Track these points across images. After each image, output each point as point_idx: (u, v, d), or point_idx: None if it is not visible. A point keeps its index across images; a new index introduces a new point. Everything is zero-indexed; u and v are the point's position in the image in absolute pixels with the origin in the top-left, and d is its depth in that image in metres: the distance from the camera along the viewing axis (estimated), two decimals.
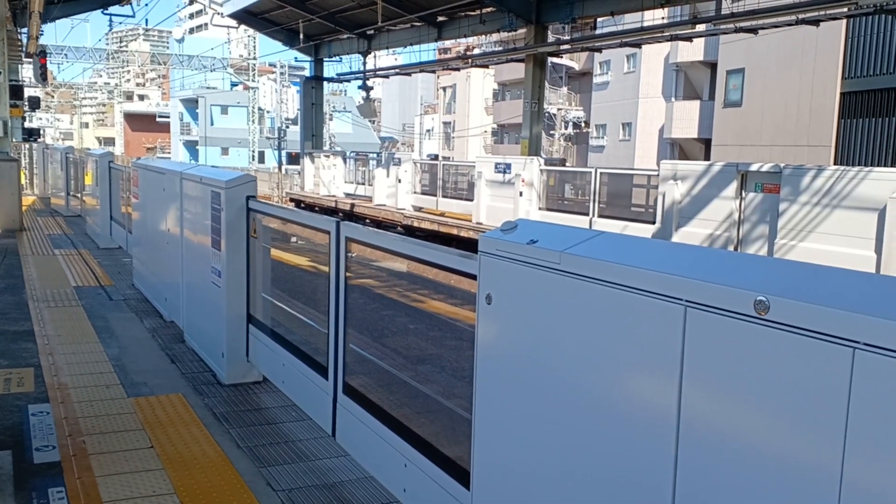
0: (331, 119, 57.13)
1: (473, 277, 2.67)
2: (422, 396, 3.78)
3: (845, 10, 14.64)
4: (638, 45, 16.98)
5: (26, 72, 31.60)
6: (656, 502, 1.94)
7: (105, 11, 24.81)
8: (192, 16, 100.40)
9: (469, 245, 15.06)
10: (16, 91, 20.21)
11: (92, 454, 4.21)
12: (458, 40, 37.26)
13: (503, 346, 2.49)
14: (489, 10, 19.23)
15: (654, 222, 13.12)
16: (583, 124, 46.46)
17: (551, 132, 45.30)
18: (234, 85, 69.94)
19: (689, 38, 16.75)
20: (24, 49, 23.10)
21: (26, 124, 26.44)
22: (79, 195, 16.21)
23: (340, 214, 23.62)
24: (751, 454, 1.69)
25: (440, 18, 22.06)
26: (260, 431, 4.71)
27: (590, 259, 2.08)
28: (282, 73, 50.98)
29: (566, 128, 46.93)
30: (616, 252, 2.09)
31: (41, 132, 37.38)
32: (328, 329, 4.13)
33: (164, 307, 7.48)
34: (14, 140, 19.57)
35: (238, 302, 5.54)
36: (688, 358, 1.80)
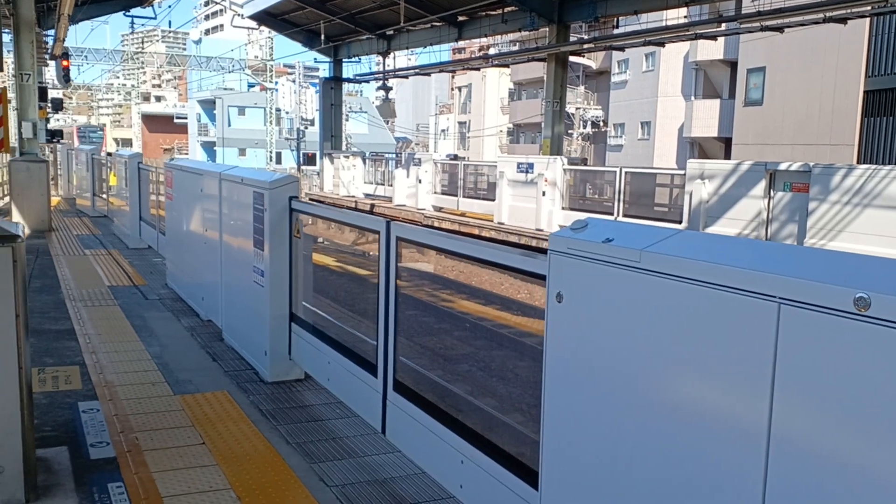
0: (347, 120, 57.35)
1: (540, 277, 2.70)
2: (476, 393, 3.83)
3: (868, 8, 14.56)
4: (661, 44, 16.94)
5: (48, 73, 31.94)
6: None
7: (127, 13, 25.03)
8: (207, 17, 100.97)
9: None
10: (41, 93, 20.46)
11: (146, 450, 4.29)
12: (471, 40, 37.25)
13: (575, 346, 2.51)
14: (511, 9, 19.24)
15: (679, 221, 13.10)
16: (601, 123, 46.36)
17: (569, 131, 45.21)
18: (250, 86, 70.31)
19: (713, 37, 16.71)
20: (49, 51, 23.36)
21: (48, 125, 26.73)
22: (105, 196, 16.38)
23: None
24: (849, 461, 1.69)
25: (461, 18, 22.09)
26: (307, 428, 4.77)
27: (674, 257, 2.10)
28: (300, 75, 51.17)
29: (584, 127, 46.84)
30: (699, 250, 2.11)
31: (62, 133, 37.77)
32: (377, 327, 4.18)
33: (201, 306, 7.57)
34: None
35: (281, 301, 5.60)
36: (780, 356, 1.82)
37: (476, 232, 19.25)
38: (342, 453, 4.39)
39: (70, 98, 79.46)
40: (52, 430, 4.52)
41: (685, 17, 20.77)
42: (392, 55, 27.60)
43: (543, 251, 2.73)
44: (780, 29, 14.27)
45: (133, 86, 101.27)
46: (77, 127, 59.22)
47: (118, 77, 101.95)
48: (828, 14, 13.08)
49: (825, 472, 1.75)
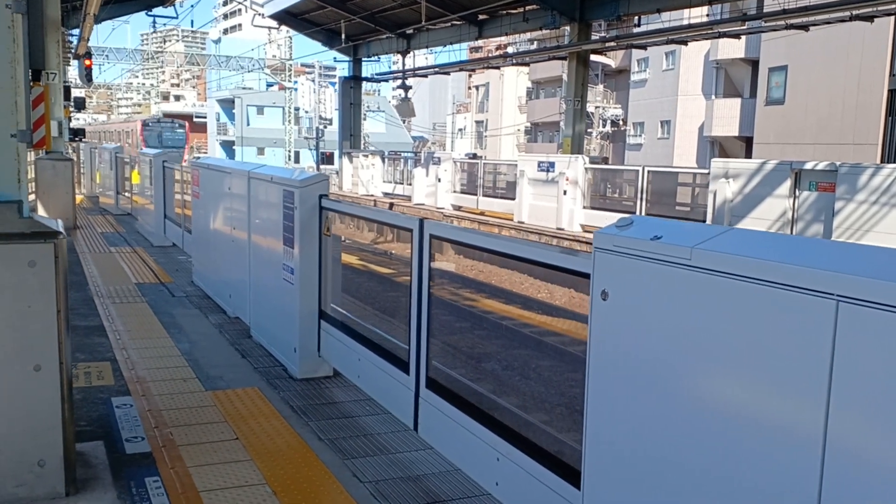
0: (364, 119, 57.48)
1: (584, 275, 2.70)
2: (513, 392, 3.83)
3: (895, 6, 14.40)
4: (684, 42, 16.85)
5: (70, 72, 32.24)
6: None
7: (149, 13, 25.22)
8: (226, 16, 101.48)
9: None
10: (65, 92, 20.65)
11: (181, 445, 4.32)
12: (488, 40, 37.24)
13: (621, 344, 2.51)
14: (532, 7, 19.20)
15: (703, 220, 13.03)
16: (620, 122, 46.18)
17: (588, 130, 45.06)
18: (269, 85, 70.65)
19: (736, 35, 16.60)
20: (73, 50, 23.58)
21: (70, 124, 26.99)
22: (128, 194, 16.52)
23: None
24: None
25: (481, 17, 22.08)
26: (338, 424, 4.79)
27: (727, 254, 2.09)
28: (319, 74, 51.37)
29: (604, 126, 46.68)
30: (752, 247, 2.11)
31: (84, 132, 38.09)
32: (409, 325, 4.19)
33: (228, 304, 7.62)
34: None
35: (310, 299, 5.63)
36: (838, 354, 1.81)
37: (497, 231, 19.24)
38: (374, 450, 4.41)
39: (90, 97, 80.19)
40: (87, 425, 4.56)
41: (707, 14, 20.65)
42: (411, 54, 27.64)
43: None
44: (805, 27, 14.16)
45: (152, 85, 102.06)
46: (142, 122, 43.04)
47: (136, 76, 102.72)
48: (854, 12, 12.95)
49: (882, 476, 1.74)
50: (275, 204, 5.99)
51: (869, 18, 13.43)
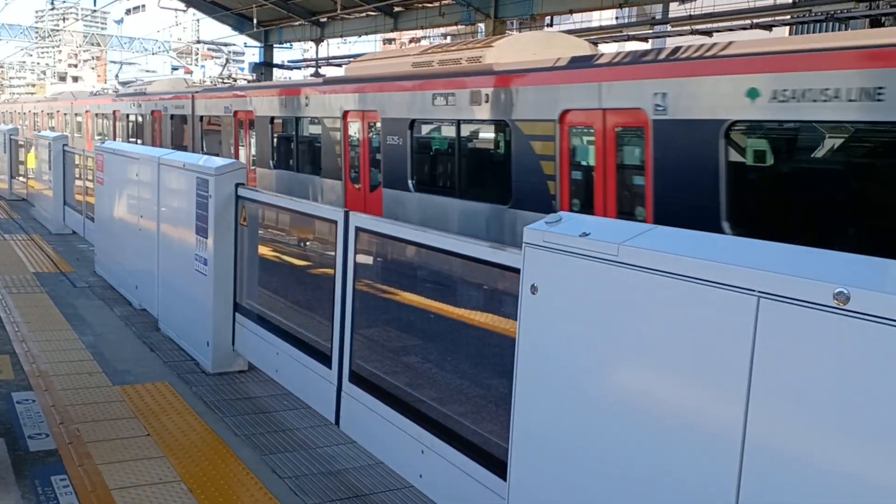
0: None
1: (514, 270, 2.73)
2: (437, 385, 3.84)
3: (789, 17, 15.20)
4: (594, 44, 17.24)
5: None
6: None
7: None
8: None
9: None
10: None
11: (89, 442, 4.15)
12: (402, 32, 37.08)
13: (549, 337, 2.55)
14: (448, 2, 19.24)
15: None
16: None
17: None
18: (174, 69, 68.32)
19: (644, 39, 17.12)
20: None
21: None
22: (24, 178, 15.69)
23: None
24: (826, 451, 1.76)
25: (397, 9, 21.97)
26: (255, 420, 4.70)
27: (653, 251, 2.16)
28: (227, 58, 50.01)
29: None
30: (677, 244, 2.18)
31: None
32: (333, 318, 4.15)
33: (135, 295, 7.34)
34: None
35: (225, 290, 5.49)
36: (758, 347, 1.89)
37: None
38: (293, 445, 4.35)
39: None
40: None
41: (616, 18, 21.21)
42: (325, 43, 27.24)
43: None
44: (709, 33, 14.73)
45: (48, 65, 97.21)
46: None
47: (31, 55, 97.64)
48: (754, 20, 13.59)
49: (800, 464, 1.83)
50: (187, 192, 5.80)
51: (768, 27, 14.12)
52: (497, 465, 2.91)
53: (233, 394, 5.15)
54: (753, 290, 1.90)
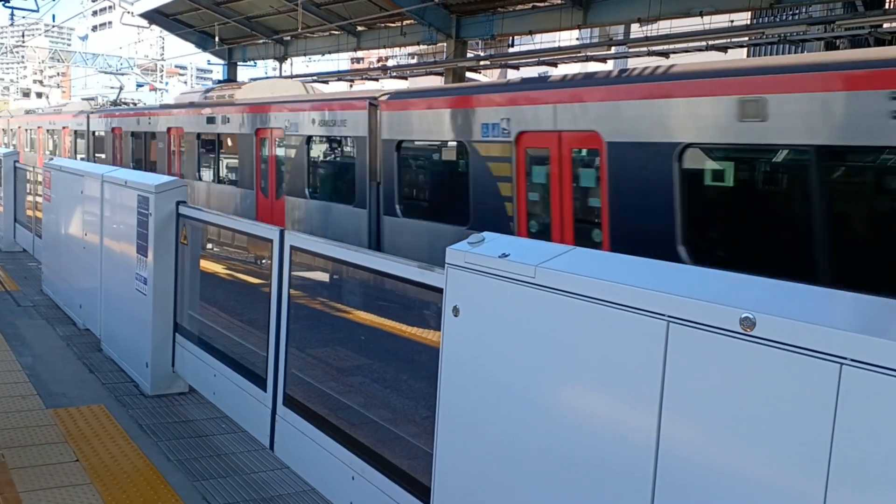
0: None
1: (437, 290, 2.68)
2: (369, 406, 3.77)
3: (746, 38, 15.41)
4: (554, 64, 17.36)
5: None
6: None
7: (6, 4, 23.59)
8: (95, 13, 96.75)
9: None
10: None
11: (13, 468, 4.00)
12: (370, 52, 37.20)
13: (471, 359, 2.50)
14: (409, 22, 19.29)
15: None
16: None
17: None
18: (139, 86, 67.68)
19: (603, 59, 17.31)
20: None
21: None
22: None
23: None
24: (732, 469, 1.75)
25: (360, 28, 21.99)
26: (190, 444, 4.58)
27: (568, 274, 2.12)
28: (191, 76, 49.72)
29: None
30: (593, 267, 2.14)
31: None
32: (268, 340, 4.06)
33: (79, 314, 7.17)
34: None
35: (165, 310, 5.37)
36: (669, 372, 1.86)
37: None
38: (227, 470, 4.23)
39: None
40: None
41: (577, 39, 21.39)
42: (289, 61, 27.17)
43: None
44: (665, 54, 14.90)
45: (12, 80, 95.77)
46: None
47: None
48: (710, 42, 13.77)
49: (710, 478, 1.81)
50: (129, 209, 5.68)
51: (723, 49, 14.33)
52: (422, 490, 2.84)
53: (170, 417, 5.02)
54: (663, 315, 1.87)
